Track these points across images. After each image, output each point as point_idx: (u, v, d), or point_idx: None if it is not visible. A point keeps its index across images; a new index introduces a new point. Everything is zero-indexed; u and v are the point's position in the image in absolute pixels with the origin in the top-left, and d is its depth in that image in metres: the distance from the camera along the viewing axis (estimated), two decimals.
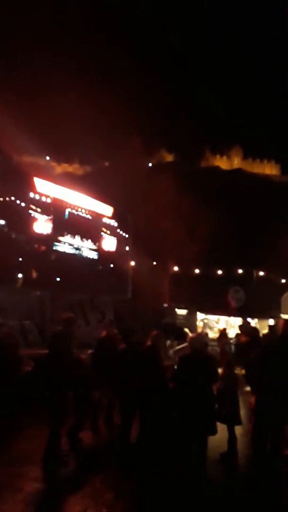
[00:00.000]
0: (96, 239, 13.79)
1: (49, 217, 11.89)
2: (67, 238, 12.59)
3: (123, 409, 5.83)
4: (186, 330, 13.41)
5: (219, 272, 43.34)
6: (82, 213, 13.17)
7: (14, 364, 6.76)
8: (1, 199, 11.82)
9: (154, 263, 35.70)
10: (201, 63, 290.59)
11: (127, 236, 15.64)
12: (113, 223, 14.56)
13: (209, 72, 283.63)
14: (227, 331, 15.19)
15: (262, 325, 16.66)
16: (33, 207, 11.67)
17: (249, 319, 18.00)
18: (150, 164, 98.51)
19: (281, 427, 5.34)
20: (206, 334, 14.23)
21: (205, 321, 19.18)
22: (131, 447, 5.62)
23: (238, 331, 15.61)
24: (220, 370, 6.22)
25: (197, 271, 41.13)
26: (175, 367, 5.40)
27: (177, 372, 5.20)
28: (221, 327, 16.71)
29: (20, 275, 11.95)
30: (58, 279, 12.28)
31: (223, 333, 14.04)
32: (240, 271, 44.75)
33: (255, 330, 8.62)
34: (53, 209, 12.02)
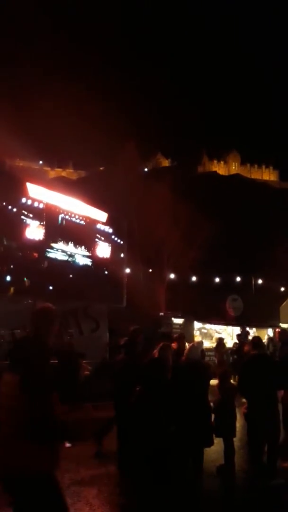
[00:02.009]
0: (90, 245, 13.78)
1: (42, 223, 11.89)
2: (60, 245, 12.58)
3: (121, 423, 5.78)
4: None
5: (217, 280, 43.50)
6: (76, 219, 13.18)
7: (74, 370, 7.21)
8: None
9: (150, 270, 35.75)
10: (198, 67, 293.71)
11: (122, 242, 15.66)
12: (108, 229, 14.57)
13: (207, 76, 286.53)
14: (225, 340, 15.21)
15: (261, 335, 16.68)
16: (25, 213, 11.67)
17: (246, 328, 18.02)
18: (146, 169, 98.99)
19: (275, 438, 5.35)
20: (201, 343, 14.20)
21: (203, 330, 19.18)
22: (128, 460, 5.59)
23: (236, 341, 15.65)
24: (216, 381, 6.23)
25: (194, 278, 41.24)
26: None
27: (172, 383, 5.19)
28: (219, 336, 16.72)
29: (8, 281, 11.91)
30: (50, 287, 12.25)
31: (220, 342, 14.04)
32: (238, 279, 44.94)
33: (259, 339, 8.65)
34: (46, 215, 12.03)
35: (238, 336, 16.14)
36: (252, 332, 18.25)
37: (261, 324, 20.24)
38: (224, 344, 14.19)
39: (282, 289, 39.26)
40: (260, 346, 5.89)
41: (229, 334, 18.92)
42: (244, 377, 5.55)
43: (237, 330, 17.98)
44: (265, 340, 13.95)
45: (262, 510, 4.77)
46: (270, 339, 15.35)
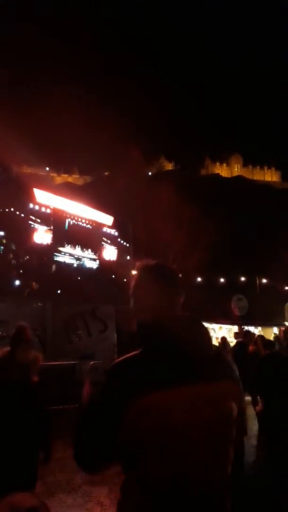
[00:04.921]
0: (97, 249, 13.84)
1: (49, 228, 11.97)
2: (67, 249, 12.65)
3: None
4: None
5: (222, 280, 43.32)
6: (83, 223, 13.25)
7: None
8: (1, 210, 11.90)
9: None
10: (200, 71, 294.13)
11: (128, 245, 15.69)
12: (114, 232, 14.63)
13: (209, 80, 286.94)
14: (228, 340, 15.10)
15: (267, 334, 16.57)
16: (33, 218, 11.76)
17: (252, 328, 17.92)
18: (149, 173, 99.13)
19: None
20: None
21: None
22: None
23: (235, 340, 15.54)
24: None
25: (199, 279, 41.11)
26: None
27: None
28: (222, 336, 16.62)
29: (18, 285, 11.96)
30: (59, 290, 12.28)
31: (223, 342, 13.94)
32: (242, 278, 44.74)
33: (263, 338, 8.58)
34: (53, 220, 12.11)
35: (236, 334, 16.03)
36: (258, 331, 18.15)
37: (266, 323, 20.13)
38: (228, 343, 14.10)
39: (287, 288, 39.03)
40: (271, 346, 5.81)
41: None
42: (259, 376, 5.48)
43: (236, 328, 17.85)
44: (271, 338, 13.86)
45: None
46: (276, 337, 15.24)
